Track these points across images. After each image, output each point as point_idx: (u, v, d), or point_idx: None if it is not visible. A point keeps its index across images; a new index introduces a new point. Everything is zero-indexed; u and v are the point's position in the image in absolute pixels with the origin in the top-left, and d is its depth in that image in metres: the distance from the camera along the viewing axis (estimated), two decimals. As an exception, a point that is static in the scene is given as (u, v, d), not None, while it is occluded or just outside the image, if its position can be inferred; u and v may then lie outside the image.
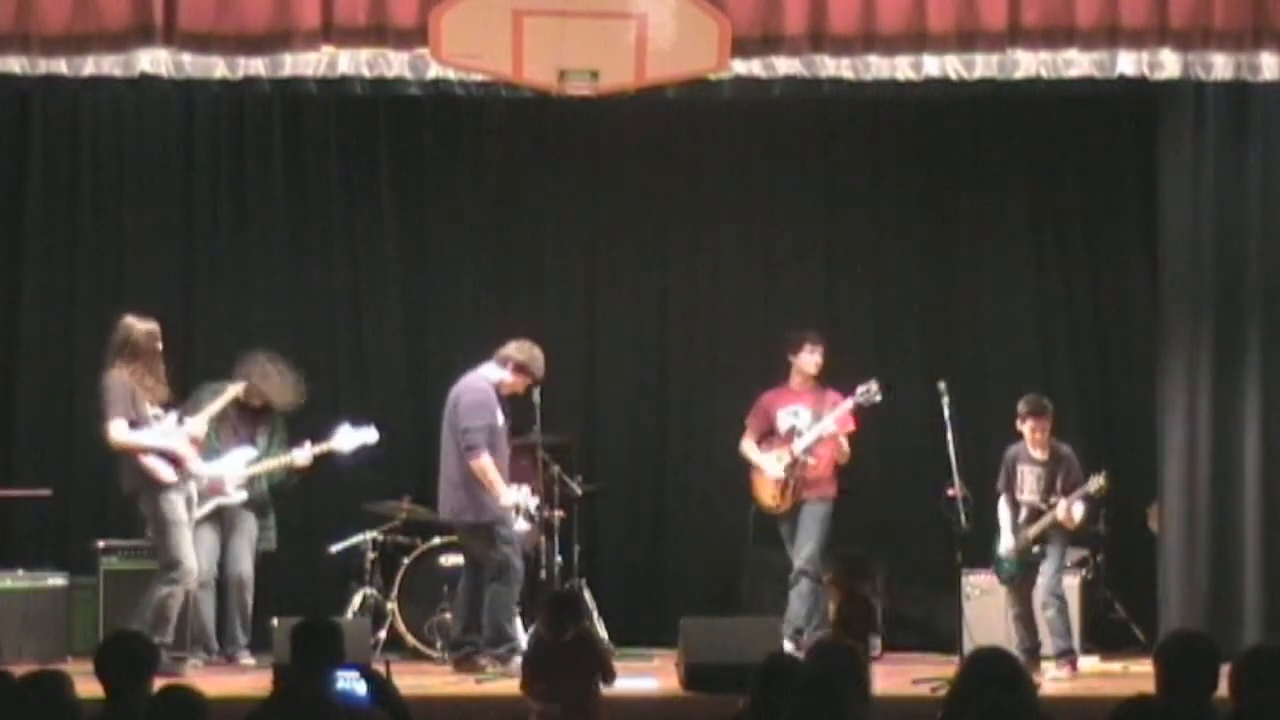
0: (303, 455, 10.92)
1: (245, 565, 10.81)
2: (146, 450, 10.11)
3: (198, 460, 10.41)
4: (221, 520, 10.84)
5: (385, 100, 11.39)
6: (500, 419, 10.53)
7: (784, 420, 11.04)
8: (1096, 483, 10.30)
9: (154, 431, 10.16)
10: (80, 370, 11.89)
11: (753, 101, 10.79)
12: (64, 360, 11.97)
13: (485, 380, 10.53)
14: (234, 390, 10.72)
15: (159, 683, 5.81)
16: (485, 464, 10.36)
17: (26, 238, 11.98)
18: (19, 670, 5.78)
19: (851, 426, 10.97)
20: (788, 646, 10.42)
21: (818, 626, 10.59)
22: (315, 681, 6.09)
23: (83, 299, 11.98)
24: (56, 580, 11.01)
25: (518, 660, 10.10)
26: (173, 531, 10.11)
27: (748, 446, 11.16)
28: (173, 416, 10.30)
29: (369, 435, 11.00)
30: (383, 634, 10.83)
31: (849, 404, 10.86)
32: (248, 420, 11.03)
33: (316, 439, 10.96)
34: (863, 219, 12.41)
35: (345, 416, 11.14)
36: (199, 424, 10.41)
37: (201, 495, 10.57)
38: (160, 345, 10.28)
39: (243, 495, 10.82)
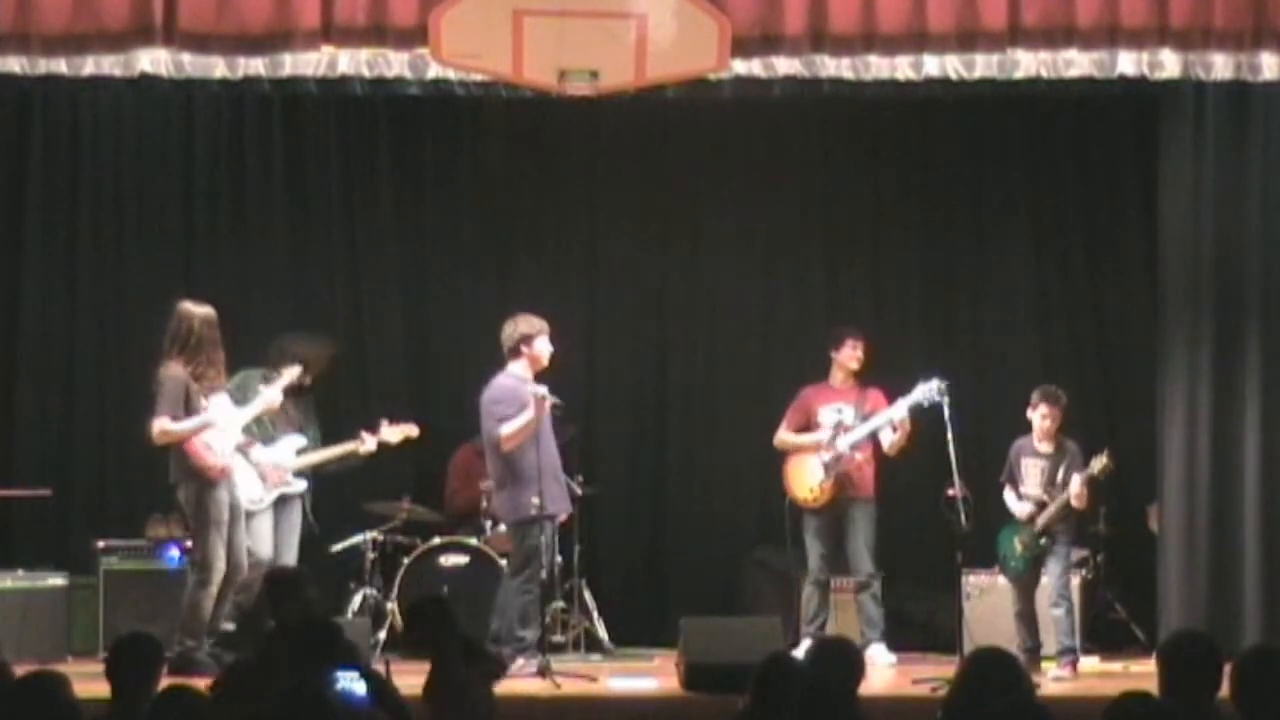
0: (368, 443, 10.85)
1: (292, 556, 10.60)
2: (192, 434, 9.98)
3: (257, 447, 10.39)
4: (275, 510, 10.64)
5: (385, 100, 11.39)
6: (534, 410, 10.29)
7: (827, 416, 10.91)
8: (1099, 462, 10.27)
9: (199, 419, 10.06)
10: (80, 370, 11.91)
11: (753, 101, 10.79)
12: (64, 360, 11.96)
13: (509, 377, 10.42)
14: (290, 374, 10.55)
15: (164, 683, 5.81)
16: (506, 432, 10.18)
17: (26, 238, 11.98)
18: (18, 671, 5.78)
19: (908, 426, 10.71)
20: (878, 651, 10.56)
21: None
22: (315, 681, 6.08)
23: (83, 299, 11.98)
24: (56, 580, 10.99)
25: (521, 660, 10.12)
26: (212, 531, 10.02)
27: (787, 436, 11.01)
28: (225, 399, 10.19)
29: (411, 430, 11.00)
30: (383, 634, 10.82)
31: (908, 401, 10.58)
32: (299, 405, 10.90)
33: (352, 434, 10.92)
34: (863, 219, 12.42)
35: (381, 414, 11.08)
36: (246, 415, 10.33)
37: (266, 483, 10.50)
38: (218, 331, 10.15)
39: (303, 484, 10.71)
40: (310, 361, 10.83)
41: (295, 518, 10.69)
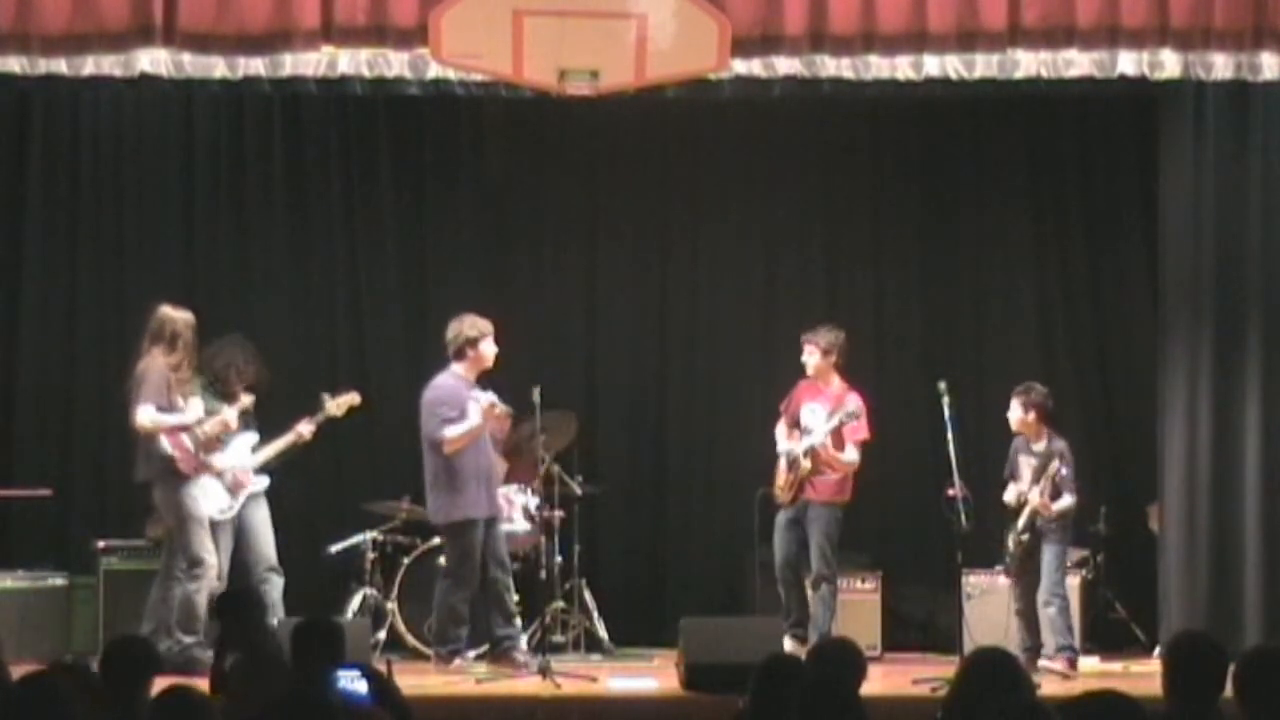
0: (307, 429, 10.75)
1: (273, 552, 10.53)
2: (173, 431, 10.04)
3: (219, 454, 10.38)
4: (248, 510, 10.57)
5: (385, 100, 11.39)
6: (475, 412, 10.32)
7: (805, 415, 10.91)
8: (1052, 465, 10.31)
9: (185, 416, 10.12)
10: (80, 370, 11.91)
11: (753, 101, 10.79)
12: (64, 360, 11.96)
13: (451, 377, 10.43)
14: (247, 402, 10.51)
15: (167, 683, 5.79)
16: (450, 435, 10.27)
17: (26, 237, 11.98)
18: (18, 671, 5.76)
19: (864, 435, 10.75)
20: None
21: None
22: (315, 681, 6.08)
23: (83, 298, 11.98)
24: (56, 580, 11.01)
25: (458, 661, 10.23)
26: (193, 527, 10.06)
27: (778, 432, 11.00)
28: (198, 405, 10.25)
29: (353, 398, 10.88)
30: (383, 634, 10.82)
31: (834, 422, 10.63)
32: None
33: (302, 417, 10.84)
34: (863, 219, 12.42)
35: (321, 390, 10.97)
36: (217, 424, 10.34)
37: (231, 490, 10.47)
38: (196, 337, 10.22)
39: (265, 481, 10.67)
40: (259, 383, 10.75)
41: (266, 514, 10.63)
